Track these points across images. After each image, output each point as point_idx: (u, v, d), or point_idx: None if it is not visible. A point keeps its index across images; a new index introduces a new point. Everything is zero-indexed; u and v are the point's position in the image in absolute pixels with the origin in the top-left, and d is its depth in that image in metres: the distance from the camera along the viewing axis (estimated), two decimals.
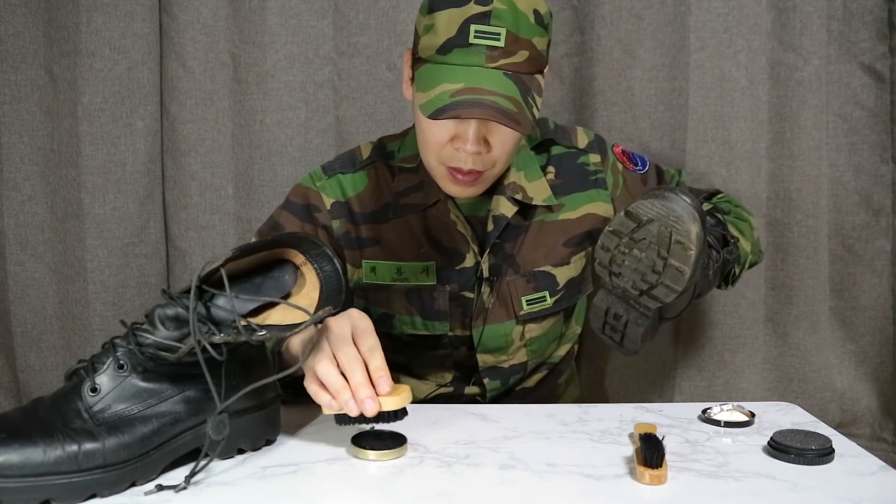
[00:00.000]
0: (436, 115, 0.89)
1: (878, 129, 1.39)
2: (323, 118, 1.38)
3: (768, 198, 1.40)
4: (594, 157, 1.13)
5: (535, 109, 0.93)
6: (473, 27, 0.89)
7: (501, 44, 0.90)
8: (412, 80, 0.99)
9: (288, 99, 1.36)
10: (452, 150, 0.97)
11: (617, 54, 1.36)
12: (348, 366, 0.77)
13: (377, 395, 0.76)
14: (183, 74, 1.35)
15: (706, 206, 1.14)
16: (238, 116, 1.38)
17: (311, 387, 0.78)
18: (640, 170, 1.16)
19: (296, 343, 0.86)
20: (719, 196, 1.24)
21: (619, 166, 1.14)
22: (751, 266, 1.17)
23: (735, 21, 1.34)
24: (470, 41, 0.90)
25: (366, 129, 1.37)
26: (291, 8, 1.35)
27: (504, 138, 0.97)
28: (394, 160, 1.11)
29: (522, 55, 0.92)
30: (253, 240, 1.09)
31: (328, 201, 1.10)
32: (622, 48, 1.36)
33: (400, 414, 0.78)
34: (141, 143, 1.36)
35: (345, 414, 0.77)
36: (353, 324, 0.80)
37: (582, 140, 1.14)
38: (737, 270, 1.09)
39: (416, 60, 0.97)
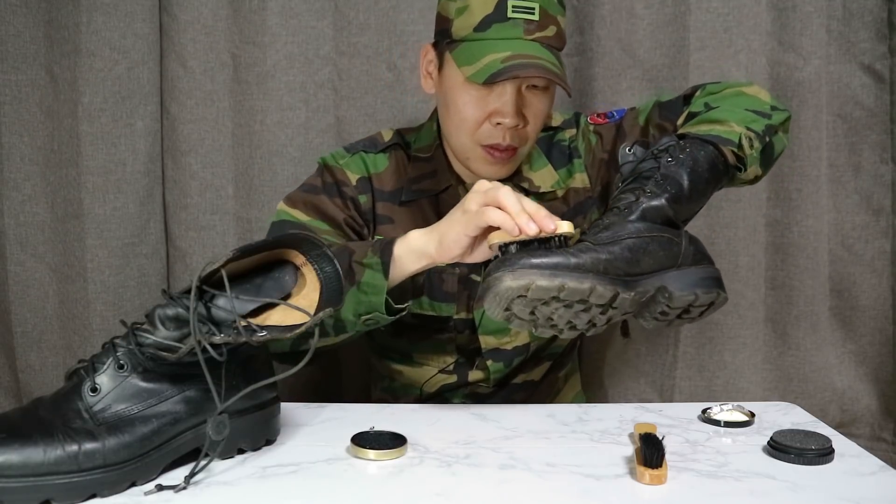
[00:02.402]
0: (492, 79, 0.94)
1: (878, 129, 1.39)
2: (323, 118, 1.38)
3: (768, 198, 1.40)
4: (569, 132, 1.16)
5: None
6: (511, 2, 0.96)
7: (536, 17, 0.97)
8: (440, 66, 1.03)
9: (288, 99, 1.36)
10: (490, 128, 1.01)
11: (617, 54, 1.36)
12: (515, 198, 0.80)
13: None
14: (183, 74, 1.35)
15: (680, 120, 1.00)
16: (238, 116, 1.38)
17: (488, 212, 0.80)
18: (614, 120, 1.14)
19: (415, 239, 0.89)
20: (697, 94, 1.04)
21: (591, 127, 1.15)
22: (766, 134, 0.92)
23: (735, 21, 1.34)
24: (508, 15, 0.96)
25: (366, 129, 1.37)
26: (291, 8, 1.35)
27: (537, 111, 1.02)
28: (410, 150, 1.14)
29: (552, 30, 0.99)
30: (283, 206, 1.10)
31: (353, 177, 1.12)
32: (622, 48, 1.35)
33: (569, 238, 0.80)
34: (141, 143, 1.36)
35: (506, 251, 0.80)
36: (476, 189, 0.84)
37: (557, 121, 1.17)
38: (742, 153, 0.89)
39: (449, 44, 1.01)
